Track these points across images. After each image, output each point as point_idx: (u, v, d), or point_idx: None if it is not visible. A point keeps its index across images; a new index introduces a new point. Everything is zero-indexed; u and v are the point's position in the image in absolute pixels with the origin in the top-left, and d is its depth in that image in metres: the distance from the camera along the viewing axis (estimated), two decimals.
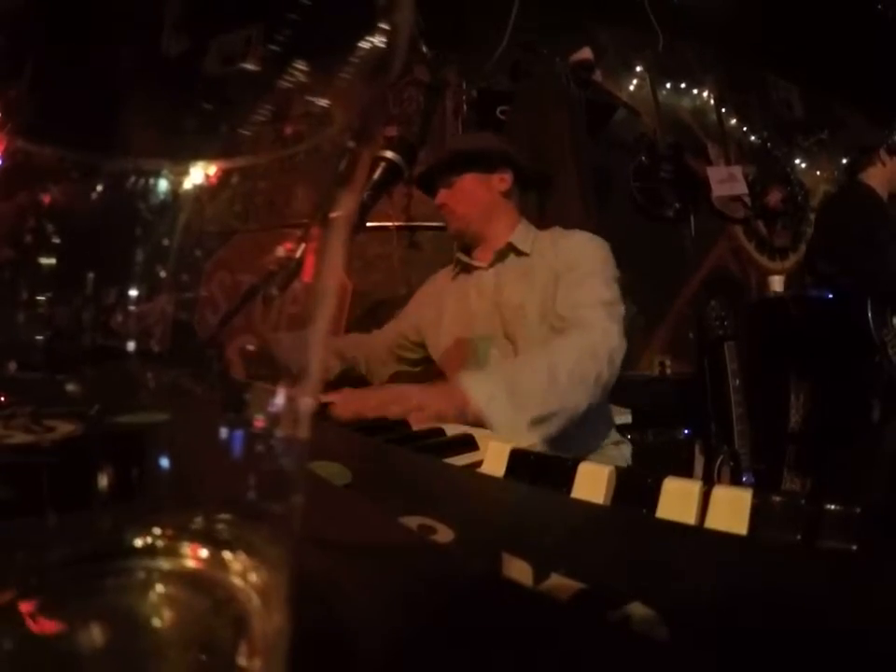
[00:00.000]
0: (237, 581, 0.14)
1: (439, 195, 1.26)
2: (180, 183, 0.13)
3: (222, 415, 0.15)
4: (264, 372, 0.15)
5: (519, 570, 0.25)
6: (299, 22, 0.17)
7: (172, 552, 0.14)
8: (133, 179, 0.13)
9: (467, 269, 1.29)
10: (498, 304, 1.18)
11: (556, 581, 0.23)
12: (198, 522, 0.14)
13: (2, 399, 0.14)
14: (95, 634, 0.12)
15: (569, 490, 0.38)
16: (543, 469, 0.41)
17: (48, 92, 0.16)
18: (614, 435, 1.22)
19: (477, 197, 1.23)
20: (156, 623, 0.13)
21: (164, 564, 0.14)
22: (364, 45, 0.14)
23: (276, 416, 0.14)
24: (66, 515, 0.14)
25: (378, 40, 0.14)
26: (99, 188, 0.13)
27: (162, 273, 0.14)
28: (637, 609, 0.20)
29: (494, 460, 0.45)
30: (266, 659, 0.13)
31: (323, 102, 0.16)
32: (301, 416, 0.14)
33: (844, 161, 3.09)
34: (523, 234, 1.22)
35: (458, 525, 0.28)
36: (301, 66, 0.17)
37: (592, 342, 0.99)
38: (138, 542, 0.14)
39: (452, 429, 0.61)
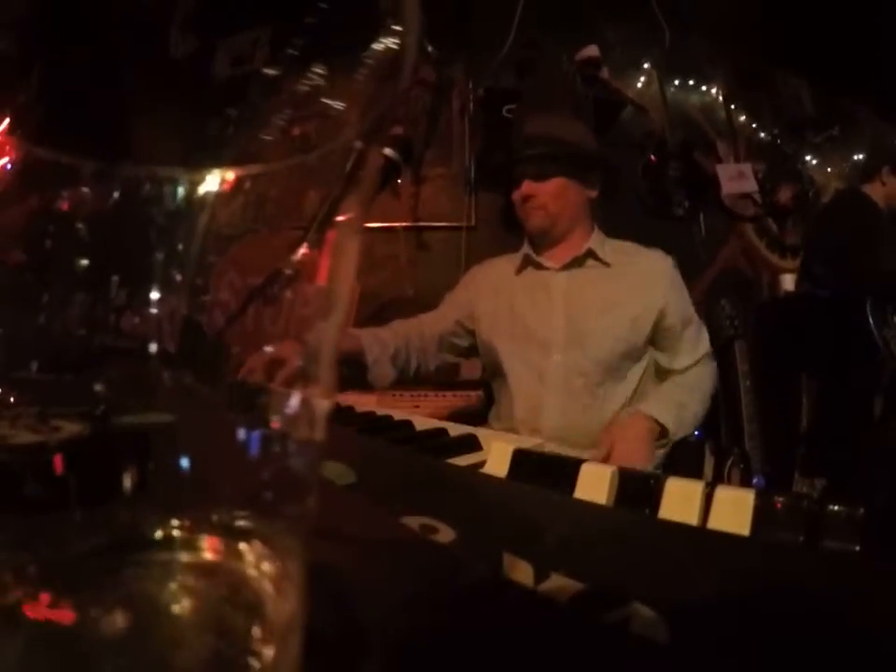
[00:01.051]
0: (252, 570, 0.14)
1: (526, 185, 1.18)
2: (191, 189, 0.13)
3: (228, 417, 0.15)
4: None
5: (520, 571, 0.25)
6: (310, 26, 0.17)
7: (189, 544, 0.14)
8: (143, 185, 0.13)
9: (535, 266, 1.24)
10: (567, 309, 1.16)
11: (557, 581, 0.23)
12: (213, 516, 0.15)
13: (11, 399, 0.14)
14: (114, 620, 0.13)
15: (572, 490, 0.38)
16: (546, 470, 0.41)
17: (58, 99, 0.16)
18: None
19: (570, 198, 1.20)
20: (173, 609, 0.14)
21: (182, 555, 0.14)
22: (376, 46, 0.14)
23: (291, 418, 0.14)
24: (76, 512, 0.14)
25: (390, 41, 0.14)
26: (110, 193, 0.13)
27: (174, 276, 0.14)
28: (639, 610, 0.21)
29: (497, 460, 0.45)
30: (280, 644, 0.13)
31: (338, 104, 0.16)
32: (316, 419, 0.15)
33: (855, 157, 3.06)
34: (599, 242, 1.21)
35: (460, 525, 0.28)
36: (316, 70, 0.17)
37: (714, 369, 1.19)
38: (156, 535, 0.14)
39: (455, 429, 0.61)
